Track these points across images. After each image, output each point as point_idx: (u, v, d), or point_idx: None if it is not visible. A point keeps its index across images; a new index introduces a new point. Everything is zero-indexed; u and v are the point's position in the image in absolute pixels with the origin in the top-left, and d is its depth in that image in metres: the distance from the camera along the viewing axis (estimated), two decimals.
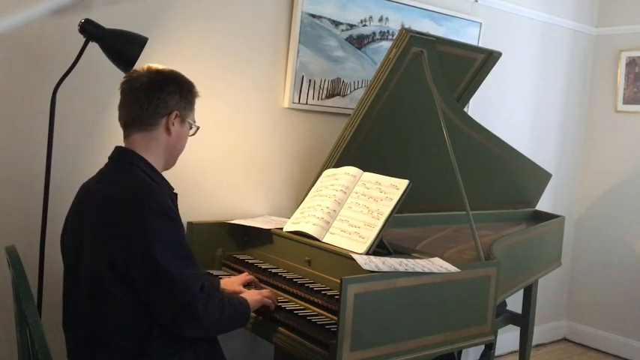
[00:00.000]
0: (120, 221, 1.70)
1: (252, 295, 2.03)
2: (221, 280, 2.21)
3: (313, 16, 2.85)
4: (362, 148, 2.62)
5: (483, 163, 3.03)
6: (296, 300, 2.14)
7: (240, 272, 2.41)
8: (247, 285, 2.22)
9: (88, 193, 1.84)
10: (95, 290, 1.73)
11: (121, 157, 1.85)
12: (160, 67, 1.91)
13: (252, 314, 2.01)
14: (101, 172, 1.88)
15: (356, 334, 1.82)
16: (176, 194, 1.87)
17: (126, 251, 1.68)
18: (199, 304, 1.72)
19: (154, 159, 1.85)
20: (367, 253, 2.12)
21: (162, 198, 1.74)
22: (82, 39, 2.10)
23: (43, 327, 1.59)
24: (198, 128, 1.97)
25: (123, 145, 1.88)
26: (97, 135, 2.38)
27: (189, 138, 1.96)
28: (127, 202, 1.72)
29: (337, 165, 2.55)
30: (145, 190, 1.74)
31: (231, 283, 2.20)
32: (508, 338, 3.93)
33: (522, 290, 3.21)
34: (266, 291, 2.12)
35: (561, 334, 4.54)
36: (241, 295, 2.03)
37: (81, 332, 1.78)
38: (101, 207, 1.75)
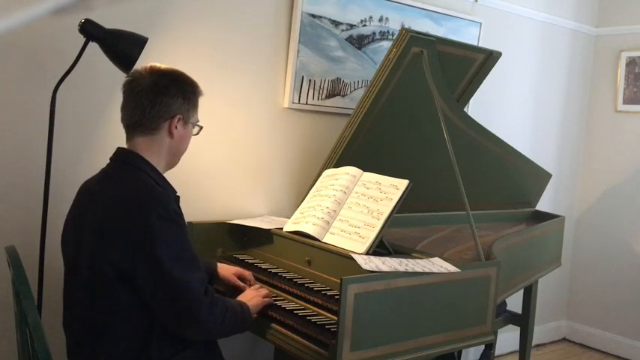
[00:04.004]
0: (125, 224, 1.70)
1: (252, 300, 2.02)
2: (218, 264, 2.20)
3: (313, 16, 2.85)
4: (362, 148, 2.62)
5: (483, 163, 3.03)
6: (296, 300, 2.14)
7: None
8: (242, 280, 2.21)
9: (90, 193, 1.84)
10: (95, 289, 1.73)
11: (124, 158, 1.84)
12: (163, 67, 1.88)
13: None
14: (104, 172, 1.86)
15: (356, 334, 1.82)
16: (178, 197, 1.87)
17: (131, 254, 1.68)
18: (203, 307, 1.73)
19: (157, 161, 1.84)
20: (367, 253, 2.11)
21: (169, 203, 1.74)
22: (82, 39, 2.10)
23: (43, 327, 1.59)
24: (201, 128, 1.95)
25: (124, 145, 1.87)
26: (97, 135, 2.38)
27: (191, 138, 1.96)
28: (133, 206, 1.71)
29: (337, 165, 2.55)
30: (152, 194, 1.74)
31: (227, 269, 2.20)
32: (508, 338, 3.93)
33: (522, 290, 3.20)
34: (264, 291, 2.12)
35: (561, 334, 4.54)
36: (241, 298, 2.02)
37: (81, 331, 1.79)
38: (105, 208, 1.74)
